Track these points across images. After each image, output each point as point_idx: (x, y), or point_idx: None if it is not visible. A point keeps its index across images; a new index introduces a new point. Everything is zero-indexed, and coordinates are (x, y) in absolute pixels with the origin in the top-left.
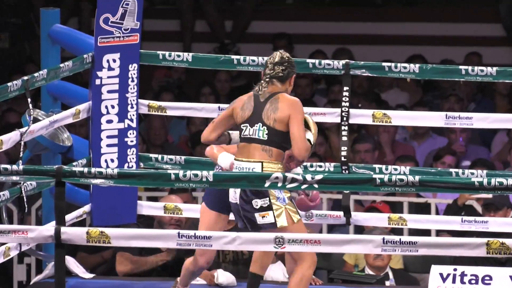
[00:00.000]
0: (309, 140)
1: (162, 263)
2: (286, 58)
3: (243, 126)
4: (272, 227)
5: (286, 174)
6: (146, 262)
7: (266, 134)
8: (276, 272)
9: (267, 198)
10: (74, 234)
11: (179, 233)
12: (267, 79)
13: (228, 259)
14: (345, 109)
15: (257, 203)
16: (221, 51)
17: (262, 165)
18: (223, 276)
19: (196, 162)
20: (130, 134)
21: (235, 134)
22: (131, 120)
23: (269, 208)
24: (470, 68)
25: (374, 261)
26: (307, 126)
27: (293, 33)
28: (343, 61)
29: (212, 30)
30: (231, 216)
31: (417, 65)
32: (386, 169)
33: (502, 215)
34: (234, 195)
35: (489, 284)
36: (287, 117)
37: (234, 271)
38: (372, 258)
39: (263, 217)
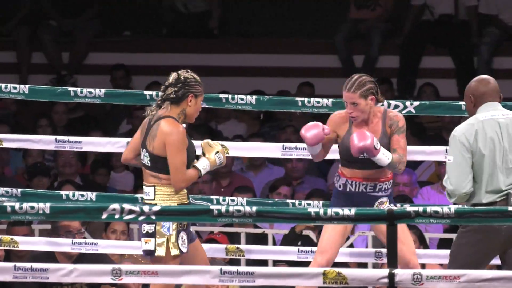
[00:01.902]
0: (195, 167)
1: None
2: (182, 78)
3: (141, 150)
4: (150, 254)
5: (124, 205)
6: None
7: (149, 160)
8: None
9: (154, 225)
10: None
11: (15, 266)
12: (158, 102)
13: None
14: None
15: (144, 228)
16: (58, 83)
17: (154, 188)
18: None
19: (33, 195)
20: None
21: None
22: None
23: (153, 235)
24: (306, 99)
25: None
26: (204, 152)
27: (131, 65)
28: None
29: (48, 61)
30: None
31: (254, 97)
32: (224, 200)
33: None
34: None
35: None
36: (162, 145)
37: None
38: None
39: (146, 242)
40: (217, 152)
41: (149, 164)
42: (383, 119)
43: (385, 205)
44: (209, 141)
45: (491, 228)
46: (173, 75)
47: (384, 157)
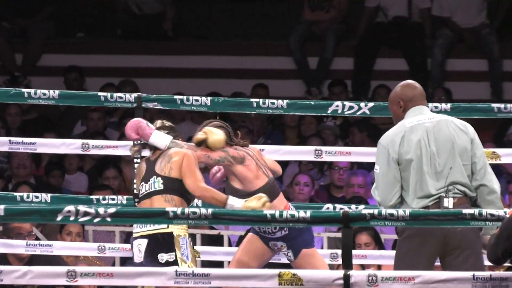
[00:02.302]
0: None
1: None
2: (168, 125)
3: (140, 187)
4: None
5: (78, 207)
6: None
7: (161, 184)
8: None
9: (173, 253)
10: None
11: None
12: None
13: None
14: (138, 141)
15: (163, 257)
16: (12, 84)
17: None
18: None
19: None
20: None
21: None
22: None
23: (175, 263)
24: (261, 100)
25: None
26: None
27: (84, 66)
28: (135, 94)
29: (2, 62)
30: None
31: (209, 98)
32: None
33: None
34: (138, 254)
35: None
36: (180, 162)
37: None
38: None
39: None
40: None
41: (162, 188)
42: None
43: (282, 249)
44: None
45: (427, 230)
46: (159, 121)
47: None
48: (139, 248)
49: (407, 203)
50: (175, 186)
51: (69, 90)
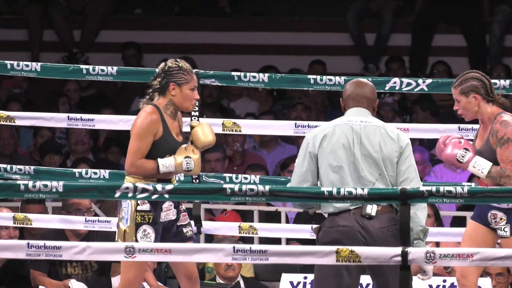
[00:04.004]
0: (156, 160)
1: None
2: (166, 67)
3: None
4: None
5: (137, 184)
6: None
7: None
8: None
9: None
10: None
11: (28, 244)
12: (150, 94)
13: (78, 271)
14: (195, 118)
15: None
16: (70, 61)
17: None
18: (76, 285)
19: (45, 172)
20: None
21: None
22: None
23: (117, 226)
24: (318, 77)
25: (225, 272)
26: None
27: (142, 43)
28: (193, 71)
29: (60, 39)
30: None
31: (266, 75)
32: (237, 178)
33: None
34: None
35: None
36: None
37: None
38: (223, 269)
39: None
40: (188, 157)
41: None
42: (492, 124)
43: (500, 222)
44: (189, 145)
45: (344, 237)
46: (161, 65)
47: (475, 169)
48: None
49: (326, 204)
50: None
51: (126, 66)
